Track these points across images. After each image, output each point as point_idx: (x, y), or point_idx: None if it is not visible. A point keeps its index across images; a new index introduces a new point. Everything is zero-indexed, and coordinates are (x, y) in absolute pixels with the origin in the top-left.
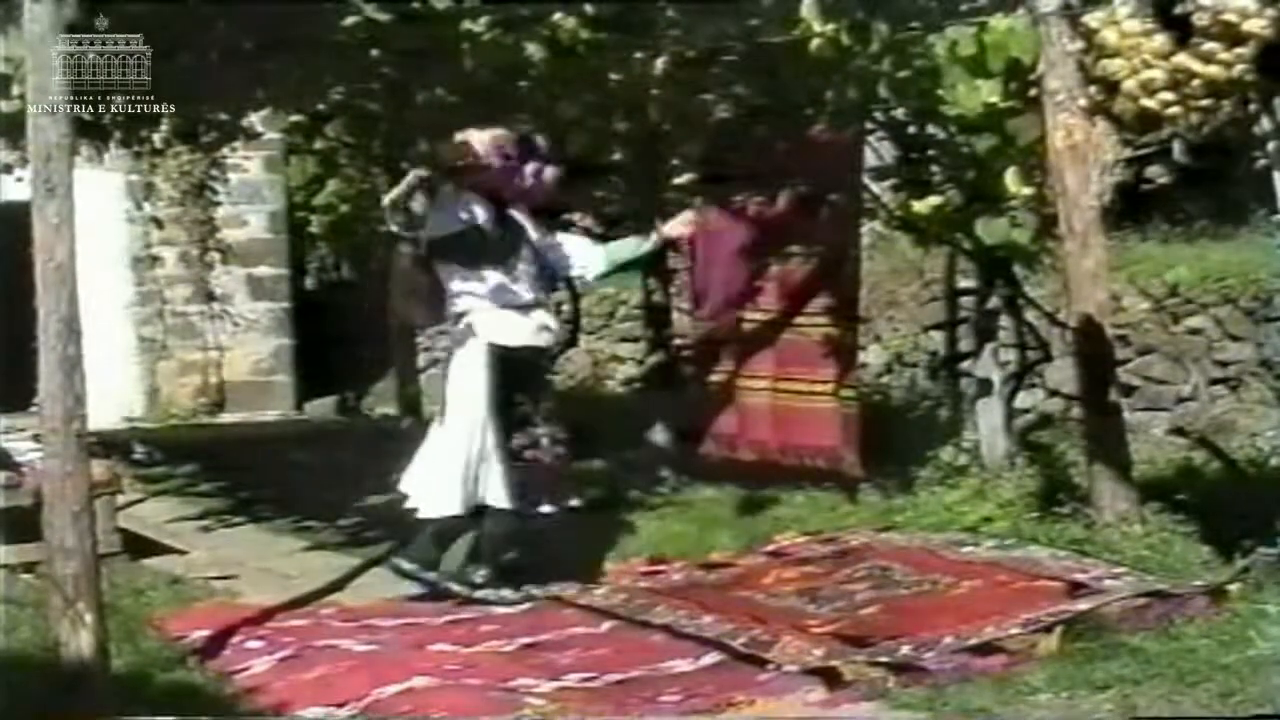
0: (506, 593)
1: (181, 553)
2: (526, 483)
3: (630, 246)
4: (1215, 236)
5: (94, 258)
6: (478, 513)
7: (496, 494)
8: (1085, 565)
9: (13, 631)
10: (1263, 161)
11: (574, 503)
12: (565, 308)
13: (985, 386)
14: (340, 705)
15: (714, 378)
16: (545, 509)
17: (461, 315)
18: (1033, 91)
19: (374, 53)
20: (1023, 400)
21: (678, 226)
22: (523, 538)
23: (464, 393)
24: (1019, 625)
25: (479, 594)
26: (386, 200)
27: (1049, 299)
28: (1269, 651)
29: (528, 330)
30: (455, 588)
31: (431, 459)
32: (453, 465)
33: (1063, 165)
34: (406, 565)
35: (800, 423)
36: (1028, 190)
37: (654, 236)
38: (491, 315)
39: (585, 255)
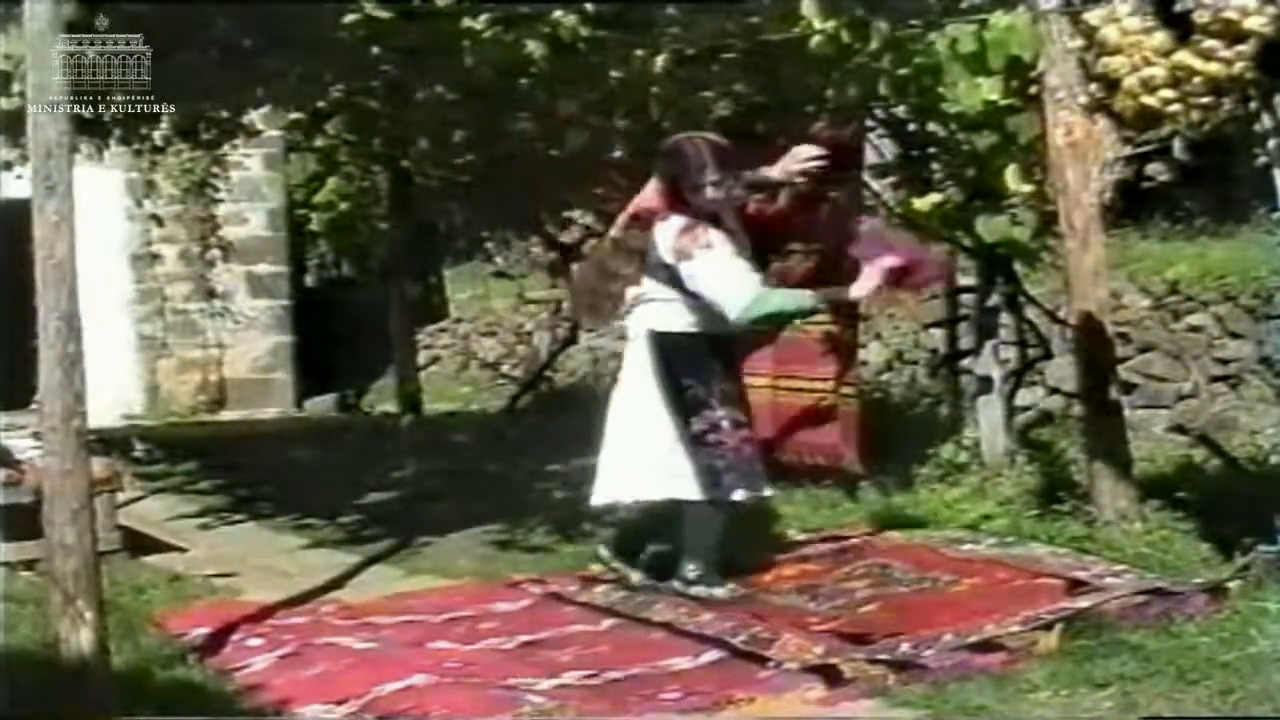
0: (717, 590)
1: (181, 550)
2: (717, 469)
3: (793, 299)
4: (1215, 234)
5: (94, 255)
6: (673, 505)
7: (685, 485)
8: (1085, 563)
9: (13, 629)
10: (1263, 159)
11: (768, 491)
12: (566, 305)
13: (985, 384)
14: (340, 702)
15: None
16: (739, 496)
17: (631, 308)
18: (1033, 89)
19: (374, 50)
20: (1023, 398)
21: (866, 284)
22: (724, 528)
23: (625, 381)
24: (1019, 623)
25: (692, 590)
26: None
27: (1049, 296)
28: (1269, 649)
29: (688, 316)
30: (616, 565)
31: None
32: (605, 454)
33: (1063, 163)
34: (602, 551)
35: (800, 420)
36: (1028, 188)
37: (824, 292)
38: (653, 305)
39: (727, 293)
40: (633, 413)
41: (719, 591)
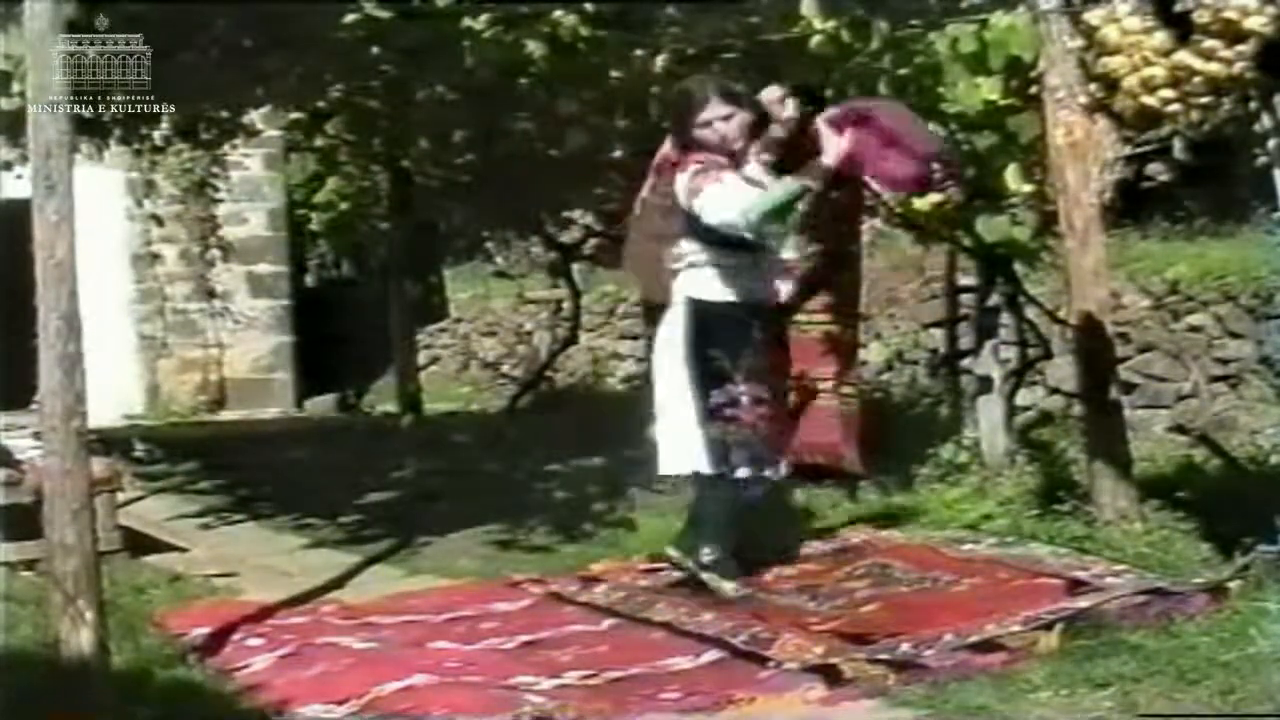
0: (725, 585)
1: (182, 550)
2: (726, 444)
3: (781, 186)
4: (1215, 234)
5: (94, 255)
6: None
7: (698, 458)
8: (1085, 563)
9: (13, 629)
10: (1263, 159)
11: (769, 472)
12: (565, 305)
13: (985, 384)
14: (340, 702)
15: None
16: (743, 473)
17: (674, 274)
18: (1033, 89)
19: (374, 50)
20: (1023, 398)
21: (834, 151)
22: (734, 510)
23: (664, 351)
24: (1019, 623)
25: (705, 576)
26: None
27: (1049, 296)
28: (1269, 649)
29: (724, 285)
30: (688, 564)
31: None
32: (659, 425)
33: (1063, 163)
34: (671, 552)
35: (800, 420)
36: (1028, 187)
37: (804, 172)
38: (691, 271)
39: (729, 208)
40: (664, 383)
41: (727, 586)
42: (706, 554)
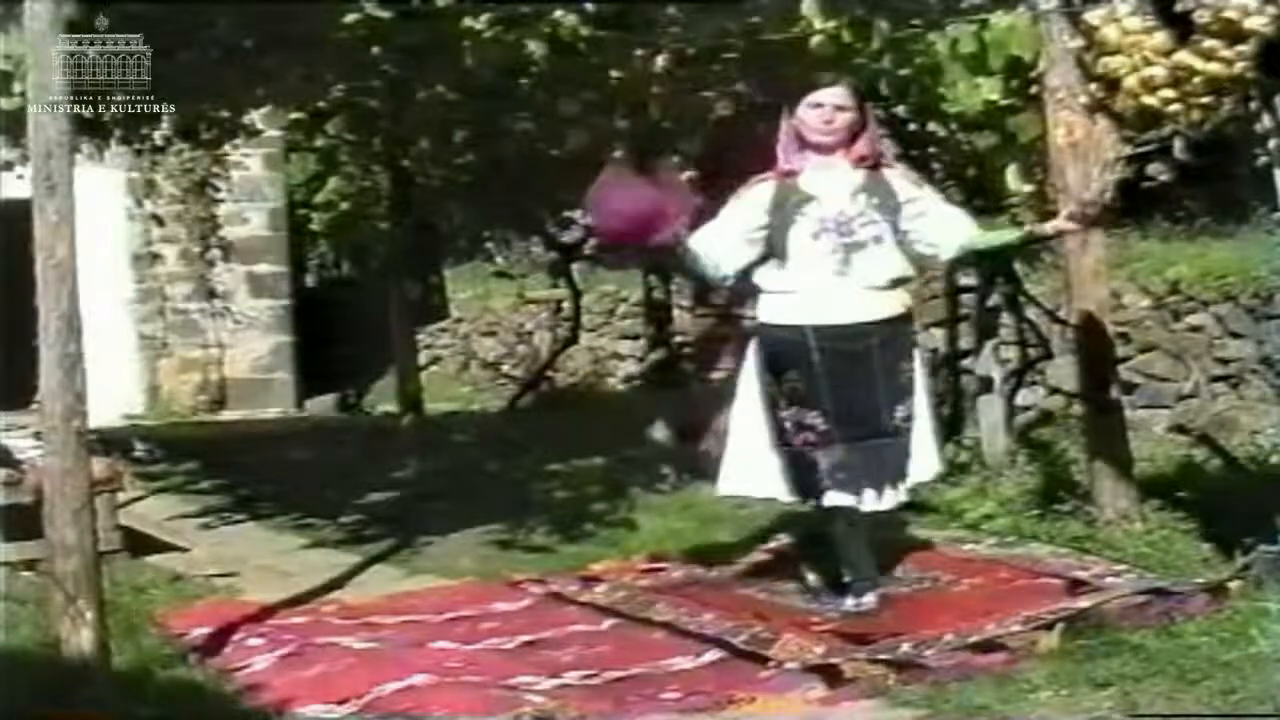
0: (829, 603)
1: (182, 550)
2: (787, 470)
3: (999, 235)
4: (1216, 234)
5: (95, 255)
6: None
7: (771, 484)
8: (1086, 563)
9: (13, 629)
10: (1263, 159)
11: (838, 498)
12: (565, 305)
13: (986, 384)
14: (341, 702)
15: (714, 375)
16: (785, 500)
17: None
18: (1033, 89)
19: (374, 50)
20: (1023, 398)
21: (1061, 223)
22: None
23: (742, 373)
24: (1020, 623)
25: (804, 600)
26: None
27: (1050, 296)
28: (1269, 649)
29: (783, 307)
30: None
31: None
32: (728, 448)
33: (1063, 163)
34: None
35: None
36: (1028, 188)
37: (1026, 228)
38: (771, 295)
39: (941, 232)
40: (735, 405)
41: (829, 605)
42: (811, 578)
